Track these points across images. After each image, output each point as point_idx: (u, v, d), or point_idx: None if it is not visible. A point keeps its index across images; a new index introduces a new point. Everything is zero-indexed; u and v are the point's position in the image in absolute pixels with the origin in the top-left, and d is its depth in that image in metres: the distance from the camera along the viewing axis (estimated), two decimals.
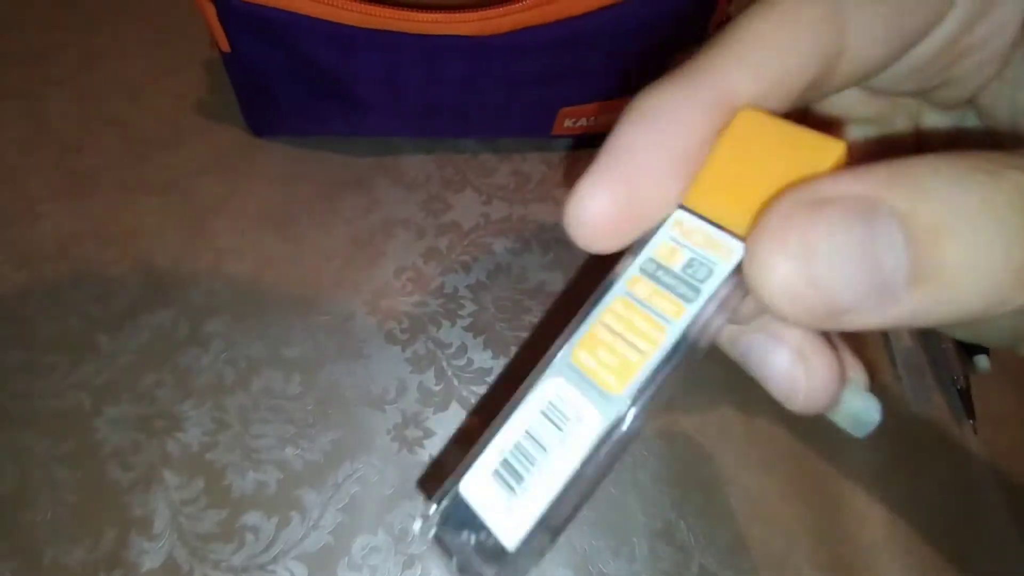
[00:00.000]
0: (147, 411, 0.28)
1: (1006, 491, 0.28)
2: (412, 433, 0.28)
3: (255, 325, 0.30)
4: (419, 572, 0.25)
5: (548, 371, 0.12)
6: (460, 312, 0.32)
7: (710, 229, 0.12)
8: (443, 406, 0.29)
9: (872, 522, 0.27)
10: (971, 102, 0.15)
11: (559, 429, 0.12)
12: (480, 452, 0.12)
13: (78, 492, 0.26)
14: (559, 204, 0.36)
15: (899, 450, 0.29)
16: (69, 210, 0.33)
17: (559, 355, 0.12)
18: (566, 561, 0.26)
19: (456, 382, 0.29)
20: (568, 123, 0.35)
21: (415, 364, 0.30)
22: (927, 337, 0.32)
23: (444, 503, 0.13)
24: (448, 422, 0.28)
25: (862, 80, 0.13)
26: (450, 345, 0.30)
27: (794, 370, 0.13)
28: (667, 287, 0.12)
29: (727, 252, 0.11)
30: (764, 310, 0.11)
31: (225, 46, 0.30)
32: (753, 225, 0.10)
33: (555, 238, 0.34)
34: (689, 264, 0.12)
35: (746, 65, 0.11)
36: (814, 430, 0.29)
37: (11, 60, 0.38)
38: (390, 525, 0.26)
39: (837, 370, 0.13)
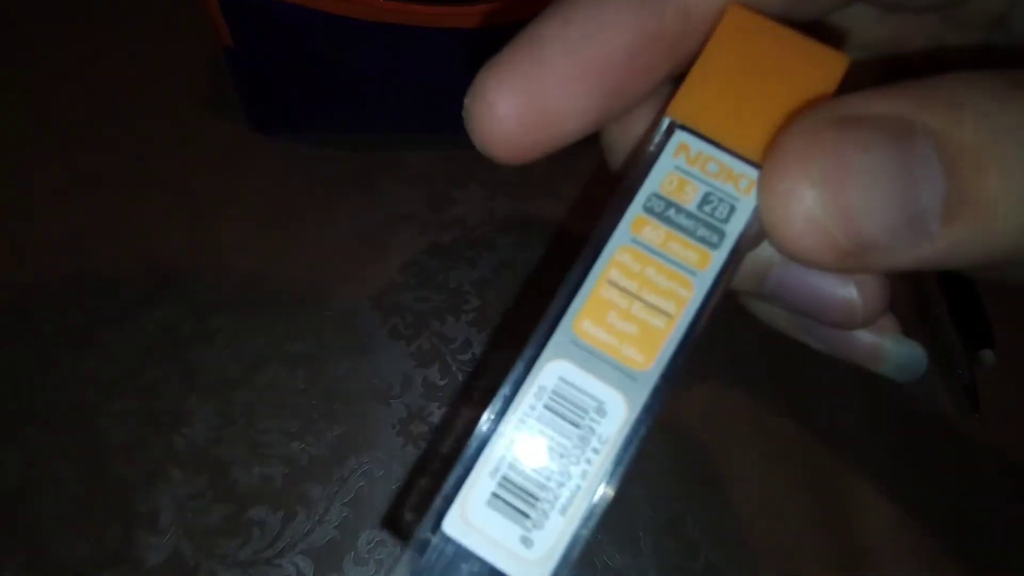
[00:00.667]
0: (152, 406, 0.28)
1: (1012, 484, 0.28)
2: (417, 427, 0.28)
3: (260, 320, 0.30)
4: None
5: (546, 352, 0.10)
6: (464, 307, 0.31)
7: (722, 155, 0.10)
8: (448, 401, 0.29)
9: (878, 516, 0.27)
10: (1002, 22, 0.13)
11: (575, 426, 0.09)
12: (467, 475, 0.09)
13: (83, 487, 0.26)
14: (565, 200, 0.36)
15: (905, 444, 0.29)
16: (73, 205, 0.33)
17: (557, 330, 0.10)
18: None
19: (461, 377, 0.29)
20: None
21: (420, 359, 0.30)
22: (932, 332, 0.32)
23: (425, 548, 0.09)
24: (453, 416, 0.28)
25: None
26: (455, 340, 0.30)
27: (843, 288, 0.11)
28: (684, 230, 0.10)
29: (747, 183, 0.09)
30: (779, 251, 0.09)
31: (228, 40, 0.30)
32: (770, 148, 0.09)
33: (561, 233, 0.34)
34: (705, 200, 0.10)
35: None
36: (821, 423, 0.29)
37: (14, 55, 0.38)
38: (395, 518, 0.26)
39: (883, 278, 0.12)
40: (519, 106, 0.10)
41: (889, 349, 0.13)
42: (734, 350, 0.31)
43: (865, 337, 0.13)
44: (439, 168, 0.36)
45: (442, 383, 0.29)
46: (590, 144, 0.39)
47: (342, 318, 0.31)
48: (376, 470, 0.27)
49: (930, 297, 0.32)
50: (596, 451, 0.09)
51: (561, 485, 0.09)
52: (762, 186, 0.09)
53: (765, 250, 0.11)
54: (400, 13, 0.27)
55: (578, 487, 0.09)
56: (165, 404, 0.28)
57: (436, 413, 0.28)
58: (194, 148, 0.36)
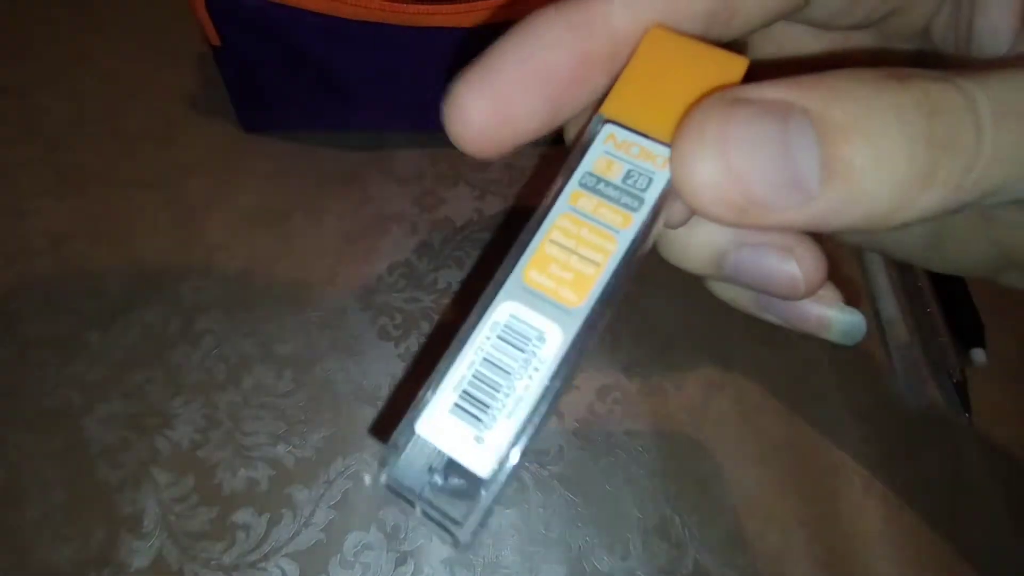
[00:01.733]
0: (137, 409, 0.27)
1: (1002, 484, 0.28)
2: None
3: (247, 321, 0.30)
4: (412, 569, 0.25)
5: (499, 296, 0.12)
6: (454, 306, 0.31)
7: (642, 140, 0.12)
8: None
9: (868, 515, 0.27)
10: (925, 33, 0.15)
11: (520, 351, 0.12)
12: (436, 387, 0.12)
13: (67, 490, 0.25)
14: None
15: (896, 443, 0.28)
16: (59, 206, 0.33)
17: (509, 279, 0.12)
18: (559, 558, 0.25)
19: None
20: None
21: (408, 360, 0.30)
22: (923, 331, 0.31)
23: (401, 447, 0.12)
24: None
25: (782, 15, 0.13)
26: (446, 341, 0.30)
27: (786, 264, 0.13)
28: (610, 199, 0.12)
29: (663, 160, 0.12)
30: (691, 210, 0.11)
31: (215, 39, 0.30)
32: (676, 128, 0.11)
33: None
34: (628, 175, 0.12)
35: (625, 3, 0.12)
36: (809, 425, 0.29)
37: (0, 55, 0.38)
38: (382, 522, 0.26)
39: (819, 249, 0.14)
40: (484, 110, 0.12)
41: (833, 317, 0.15)
42: (723, 350, 0.31)
43: (813, 308, 0.15)
44: (427, 168, 0.36)
45: None
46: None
47: (330, 319, 0.30)
48: (363, 472, 0.27)
49: (922, 296, 0.32)
50: (536, 369, 0.12)
51: (507, 396, 0.12)
52: (671, 157, 0.11)
53: (720, 237, 0.14)
54: (386, 12, 0.27)
55: (520, 397, 0.12)
56: (150, 406, 0.27)
57: None
58: (182, 147, 0.36)
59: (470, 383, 0.12)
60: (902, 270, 0.32)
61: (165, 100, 0.37)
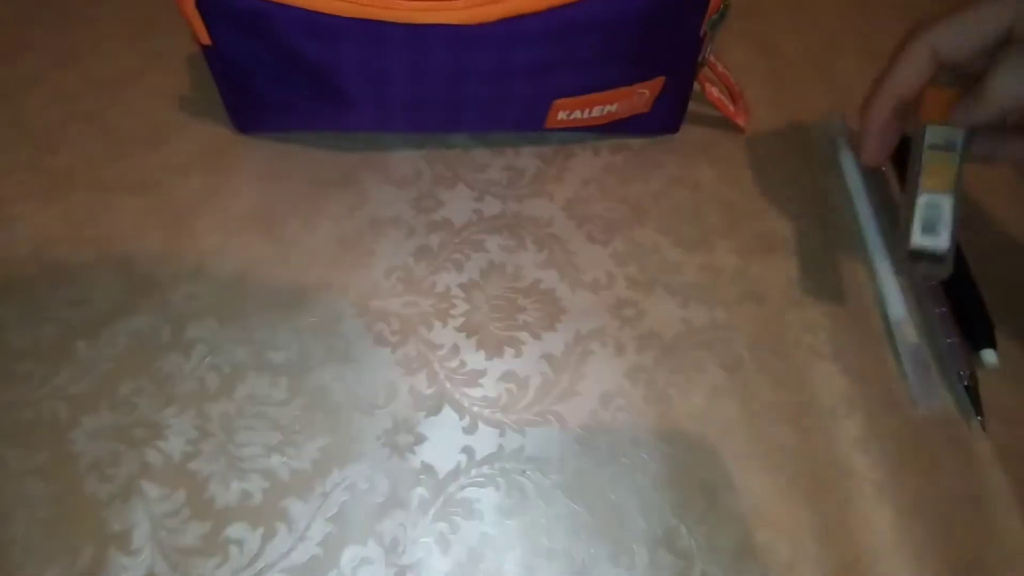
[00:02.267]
0: (126, 420, 0.26)
1: (1016, 489, 0.27)
2: (403, 439, 0.27)
3: (239, 329, 0.29)
4: None
5: (918, 193, 0.28)
6: (452, 312, 0.31)
7: (943, 127, 0.28)
8: (435, 410, 0.28)
9: (880, 525, 0.26)
10: None
11: (938, 209, 0.28)
12: (909, 230, 0.28)
13: (53, 507, 0.24)
14: (553, 200, 0.35)
15: (906, 450, 0.28)
16: (44, 212, 0.32)
17: (918, 186, 0.28)
18: (564, 570, 0.25)
19: (448, 384, 0.28)
20: (562, 115, 0.34)
21: (406, 366, 0.29)
22: (933, 333, 0.31)
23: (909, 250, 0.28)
24: (441, 426, 0.27)
25: None
26: (442, 346, 0.29)
27: None
28: (945, 149, 0.28)
29: (957, 132, 0.28)
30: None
31: (205, 39, 0.29)
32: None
33: (550, 235, 0.33)
34: (948, 139, 0.28)
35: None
36: (818, 430, 0.28)
37: None
38: (381, 535, 0.25)
39: None
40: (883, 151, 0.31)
41: None
42: (730, 357, 0.30)
43: None
44: (425, 169, 0.35)
45: (429, 391, 0.28)
46: (571, 153, 0.38)
47: (325, 325, 0.30)
48: (360, 483, 0.26)
49: (931, 296, 0.31)
50: (948, 210, 0.29)
51: (941, 220, 0.28)
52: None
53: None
54: (380, 9, 0.26)
55: (947, 218, 0.28)
56: (140, 417, 0.27)
57: (423, 423, 0.27)
58: (172, 150, 0.35)
59: (924, 221, 0.28)
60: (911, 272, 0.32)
61: (154, 101, 0.36)
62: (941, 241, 0.28)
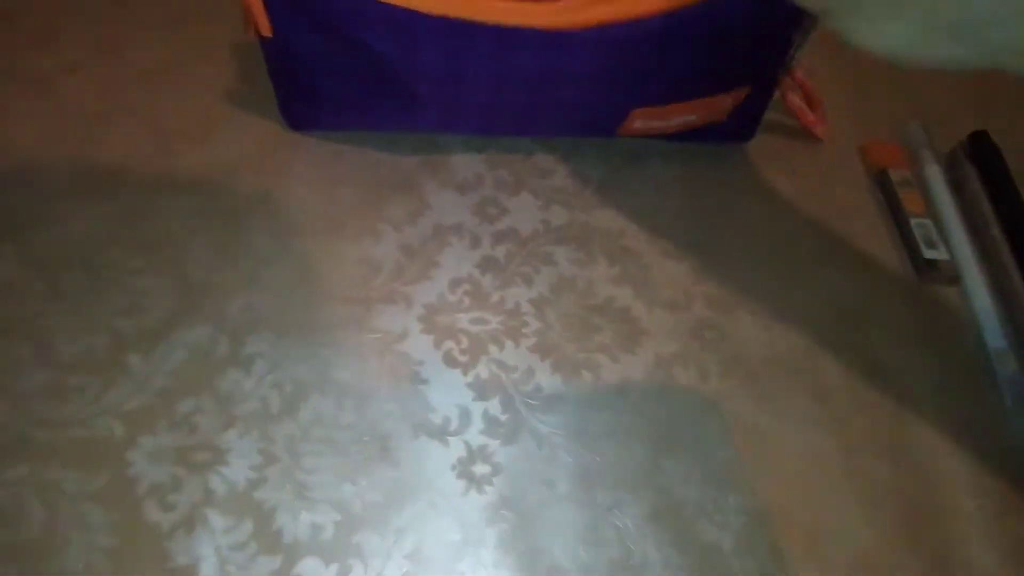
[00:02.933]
0: (186, 442, 0.25)
1: None
2: (480, 469, 0.25)
3: (300, 343, 0.27)
4: None
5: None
6: (524, 330, 0.29)
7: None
8: (512, 438, 0.26)
9: (986, 571, 0.25)
10: None
11: (925, 229, 0.28)
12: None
13: (113, 536, 0.23)
14: (623, 210, 0.33)
15: (1012, 491, 0.26)
16: (90, 211, 0.30)
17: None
18: None
19: (524, 411, 0.27)
20: (639, 124, 0.32)
21: (478, 390, 0.27)
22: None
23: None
24: (518, 456, 0.26)
25: None
26: (515, 368, 0.28)
27: None
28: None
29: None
30: None
31: (267, 31, 0.27)
32: None
33: (622, 248, 0.32)
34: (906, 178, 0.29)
35: None
36: (917, 468, 0.27)
37: (23, 44, 0.35)
38: (461, 574, 0.23)
39: None
40: None
41: None
42: (818, 383, 0.28)
43: None
44: (487, 174, 0.34)
45: (504, 418, 0.27)
46: (638, 159, 0.35)
47: (390, 342, 0.28)
48: (436, 519, 0.24)
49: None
50: None
51: None
52: None
53: None
54: (468, 8, 0.24)
55: None
56: (201, 439, 0.25)
57: (499, 452, 0.26)
58: (221, 146, 0.33)
59: None
60: (1009, 297, 0.30)
61: (198, 93, 0.34)
62: (943, 252, 0.32)
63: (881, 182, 0.35)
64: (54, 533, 0.23)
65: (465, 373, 0.27)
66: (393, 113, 0.31)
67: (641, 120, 0.31)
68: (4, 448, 0.24)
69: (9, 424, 0.25)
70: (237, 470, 0.24)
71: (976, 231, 0.33)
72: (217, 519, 0.23)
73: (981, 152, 0.35)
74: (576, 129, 0.33)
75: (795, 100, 0.35)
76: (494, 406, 0.27)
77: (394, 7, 0.24)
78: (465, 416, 0.26)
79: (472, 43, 0.26)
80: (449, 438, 0.26)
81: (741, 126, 0.35)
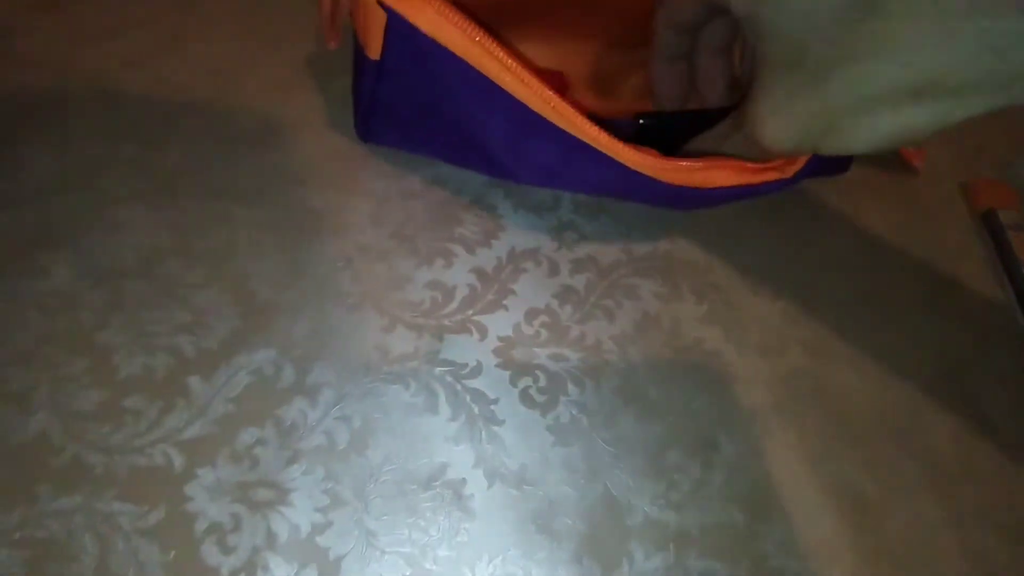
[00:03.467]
0: (248, 477, 0.23)
1: None
2: (560, 522, 0.23)
3: (367, 375, 0.26)
4: None
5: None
6: (606, 370, 0.27)
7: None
8: (591, 484, 0.24)
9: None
10: None
11: None
12: None
13: None
14: (707, 242, 0.31)
15: None
16: (151, 218, 0.29)
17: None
18: None
19: (607, 459, 0.25)
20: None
21: (558, 435, 0.25)
22: None
23: None
24: (596, 507, 0.24)
25: None
26: (598, 412, 0.26)
27: None
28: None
29: None
30: None
31: (376, 54, 0.25)
32: None
33: (710, 284, 0.29)
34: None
35: None
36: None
37: (83, 36, 0.34)
38: None
39: None
40: None
41: None
42: (926, 447, 0.26)
43: None
44: (564, 195, 0.31)
45: (584, 465, 0.24)
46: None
47: (462, 375, 0.26)
48: (516, 572, 0.22)
49: None
50: None
51: None
52: None
53: None
54: (560, 116, 0.23)
55: None
56: (263, 475, 0.23)
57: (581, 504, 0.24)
58: (288, 153, 0.31)
59: None
60: None
61: (265, 96, 0.33)
62: None
63: (989, 223, 0.32)
64: (106, 571, 0.21)
65: (544, 415, 0.25)
66: (464, 156, 0.30)
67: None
68: (57, 473, 0.23)
69: (63, 447, 0.23)
70: (301, 511, 0.23)
71: None
72: (280, 567, 0.22)
73: None
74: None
75: None
76: (574, 455, 0.25)
77: (482, 75, 0.23)
78: (545, 463, 0.24)
79: (538, 133, 0.25)
80: (528, 488, 0.24)
81: (838, 159, 0.32)
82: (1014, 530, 0.24)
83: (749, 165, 0.27)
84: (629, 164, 0.26)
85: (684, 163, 0.26)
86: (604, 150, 0.25)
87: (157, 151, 0.31)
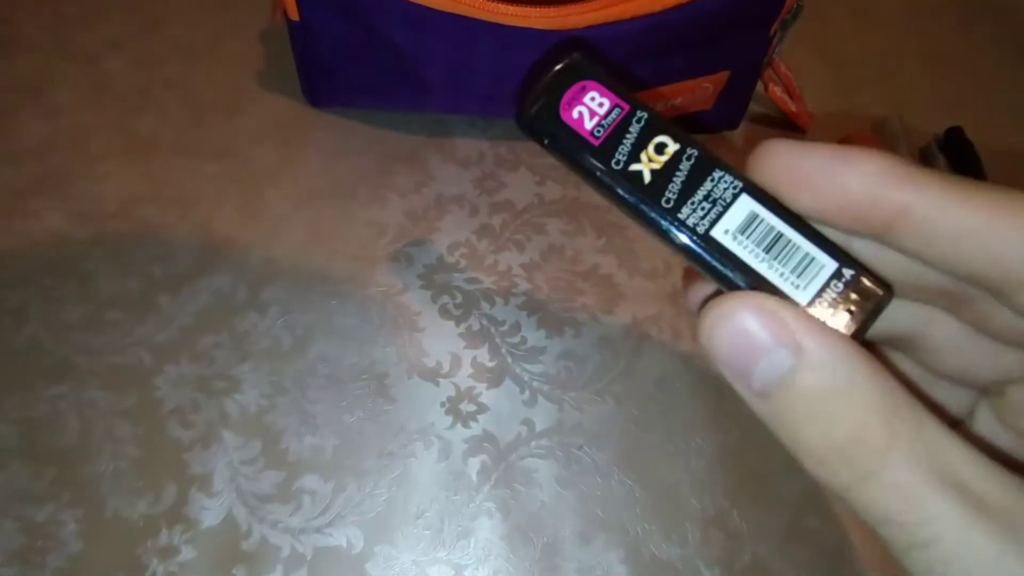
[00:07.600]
0: (206, 371, 0.28)
1: None
2: (466, 407, 0.28)
3: (311, 294, 0.30)
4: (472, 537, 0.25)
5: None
6: (514, 290, 0.32)
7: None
8: (496, 382, 0.29)
9: None
10: None
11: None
12: None
13: (139, 447, 0.26)
14: None
15: None
16: (130, 171, 0.33)
17: None
18: (618, 542, 0.26)
19: (510, 359, 0.29)
20: None
21: (469, 339, 0.30)
22: None
23: None
24: (501, 398, 0.28)
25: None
26: (504, 322, 0.30)
27: None
28: None
29: None
30: None
31: (294, 15, 0.30)
32: None
33: (609, 222, 0.34)
34: None
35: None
36: None
37: (72, 22, 0.39)
38: (443, 496, 0.26)
39: None
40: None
41: None
42: None
43: None
44: (488, 151, 0.36)
45: (491, 364, 0.29)
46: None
47: (391, 295, 0.31)
48: (424, 447, 0.27)
49: None
50: None
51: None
52: None
53: None
54: (474, 8, 0.27)
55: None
56: (218, 370, 0.28)
57: (484, 394, 0.28)
58: (248, 119, 0.36)
59: None
60: None
61: (233, 71, 0.38)
62: None
63: None
64: (87, 442, 0.26)
65: (458, 325, 0.30)
66: (404, 96, 0.34)
67: None
68: (48, 369, 0.27)
69: (53, 350, 0.28)
70: (250, 397, 0.27)
71: None
72: (231, 437, 0.26)
73: (954, 146, 0.37)
74: None
75: (777, 92, 0.37)
76: (482, 354, 0.29)
77: (408, 2, 0.27)
78: (456, 361, 0.29)
79: (476, 40, 0.29)
80: (440, 380, 0.29)
81: (727, 114, 0.37)
82: None
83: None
84: (532, 24, 0.28)
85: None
86: (517, 21, 0.28)
87: (135, 118, 0.36)
